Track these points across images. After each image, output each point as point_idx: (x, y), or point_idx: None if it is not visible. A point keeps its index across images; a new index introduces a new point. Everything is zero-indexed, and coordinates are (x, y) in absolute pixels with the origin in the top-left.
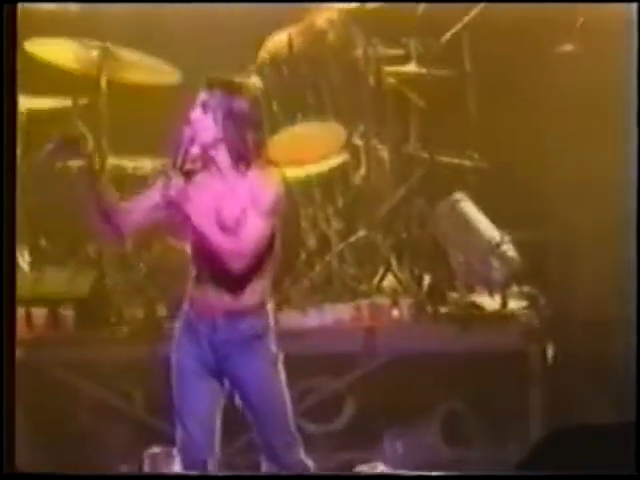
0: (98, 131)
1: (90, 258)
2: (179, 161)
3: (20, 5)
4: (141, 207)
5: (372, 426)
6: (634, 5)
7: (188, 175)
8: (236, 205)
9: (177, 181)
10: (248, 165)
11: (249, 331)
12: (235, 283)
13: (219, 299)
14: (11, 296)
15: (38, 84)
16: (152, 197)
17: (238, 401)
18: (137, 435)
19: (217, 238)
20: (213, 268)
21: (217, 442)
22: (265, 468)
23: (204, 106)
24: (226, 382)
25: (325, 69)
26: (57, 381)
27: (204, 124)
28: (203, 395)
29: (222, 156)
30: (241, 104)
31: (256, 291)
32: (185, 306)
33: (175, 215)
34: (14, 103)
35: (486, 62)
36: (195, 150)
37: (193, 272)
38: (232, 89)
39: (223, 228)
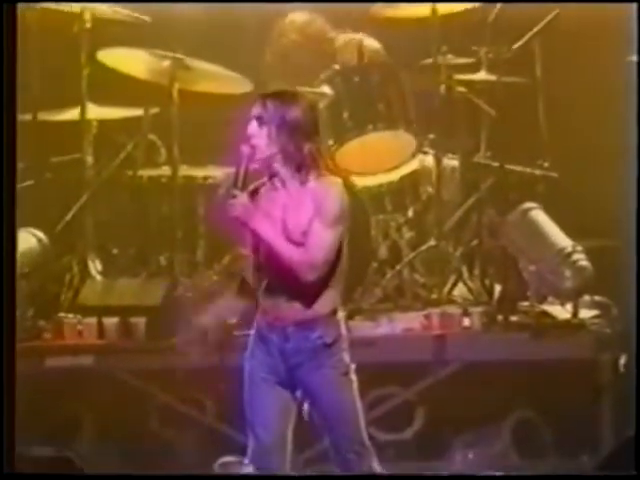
0: (169, 140)
1: (161, 267)
2: (240, 179)
3: (92, 14)
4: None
5: (442, 435)
6: (634, 5)
7: (252, 191)
8: (301, 216)
9: (241, 199)
10: (307, 175)
11: (320, 340)
12: (307, 294)
13: (290, 309)
14: (11, 293)
15: (110, 94)
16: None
17: (309, 410)
18: (208, 443)
19: (286, 250)
20: (284, 280)
21: (288, 452)
22: None
23: (259, 120)
24: (298, 391)
25: (395, 78)
26: (128, 389)
27: (261, 139)
28: (275, 404)
29: (281, 168)
30: (295, 113)
31: (327, 300)
32: (257, 316)
33: (243, 231)
34: (14, 104)
35: (557, 70)
36: (255, 166)
37: (263, 283)
38: (284, 99)
39: (291, 240)
